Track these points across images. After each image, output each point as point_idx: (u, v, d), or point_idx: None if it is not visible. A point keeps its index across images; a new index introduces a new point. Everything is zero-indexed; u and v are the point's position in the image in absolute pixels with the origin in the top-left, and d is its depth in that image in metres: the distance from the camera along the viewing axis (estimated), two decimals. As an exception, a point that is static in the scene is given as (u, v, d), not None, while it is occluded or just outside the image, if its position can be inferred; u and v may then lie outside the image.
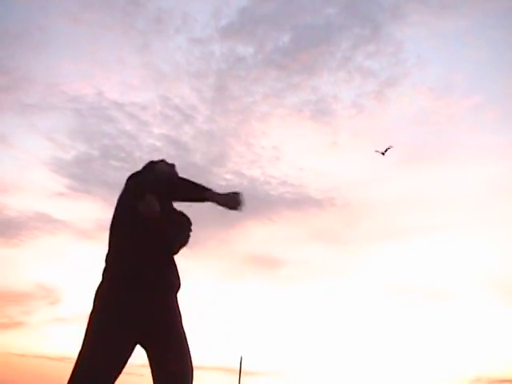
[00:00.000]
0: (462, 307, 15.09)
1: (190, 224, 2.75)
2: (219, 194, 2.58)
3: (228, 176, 16.17)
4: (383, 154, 13.77)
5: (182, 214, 2.75)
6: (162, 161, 2.76)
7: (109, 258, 2.55)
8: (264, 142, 16.58)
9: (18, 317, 14.46)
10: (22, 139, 15.48)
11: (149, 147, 15.63)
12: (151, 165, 2.72)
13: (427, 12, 15.20)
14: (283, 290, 15.74)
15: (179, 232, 2.68)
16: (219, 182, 16.00)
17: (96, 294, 2.48)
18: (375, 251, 16.26)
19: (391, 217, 16.59)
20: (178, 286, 2.64)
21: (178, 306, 2.62)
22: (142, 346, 2.49)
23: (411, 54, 15.93)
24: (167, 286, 2.57)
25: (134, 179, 2.63)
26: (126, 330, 2.40)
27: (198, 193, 2.58)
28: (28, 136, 15.72)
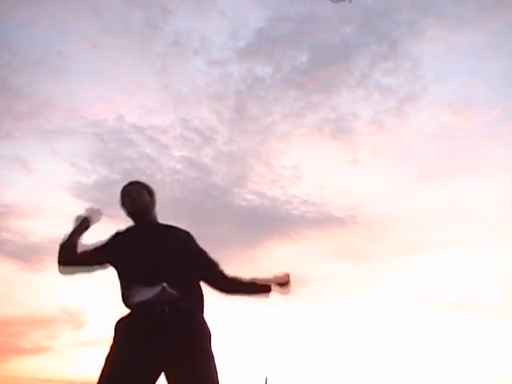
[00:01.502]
0: (490, 320, 14.82)
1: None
2: None
3: (249, 196, 16.17)
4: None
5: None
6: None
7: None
8: (284, 161, 16.58)
9: (43, 342, 14.53)
10: (43, 164, 15.68)
11: (169, 170, 15.74)
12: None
13: (444, 27, 15.16)
14: (307, 309, 15.61)
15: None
16: (240, 203, 16.04)
17: (115, 329, 2.50)
18: (399, 267, 16.07)
19: (414, 232, 16.41)
20: (196, 304, 2.61)
21: (202, 328, 2.58)
22: (164, 371, 2.45)
23: (429, 70, 15.83)
24: (183, 308, 2.51)
25: None
26: (147, 359, 2.38)
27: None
28: (49, 161, 15.92)
